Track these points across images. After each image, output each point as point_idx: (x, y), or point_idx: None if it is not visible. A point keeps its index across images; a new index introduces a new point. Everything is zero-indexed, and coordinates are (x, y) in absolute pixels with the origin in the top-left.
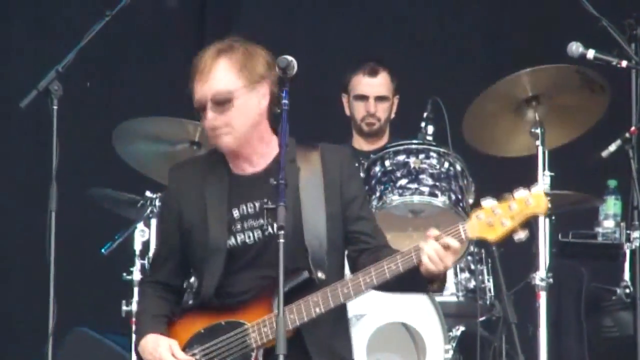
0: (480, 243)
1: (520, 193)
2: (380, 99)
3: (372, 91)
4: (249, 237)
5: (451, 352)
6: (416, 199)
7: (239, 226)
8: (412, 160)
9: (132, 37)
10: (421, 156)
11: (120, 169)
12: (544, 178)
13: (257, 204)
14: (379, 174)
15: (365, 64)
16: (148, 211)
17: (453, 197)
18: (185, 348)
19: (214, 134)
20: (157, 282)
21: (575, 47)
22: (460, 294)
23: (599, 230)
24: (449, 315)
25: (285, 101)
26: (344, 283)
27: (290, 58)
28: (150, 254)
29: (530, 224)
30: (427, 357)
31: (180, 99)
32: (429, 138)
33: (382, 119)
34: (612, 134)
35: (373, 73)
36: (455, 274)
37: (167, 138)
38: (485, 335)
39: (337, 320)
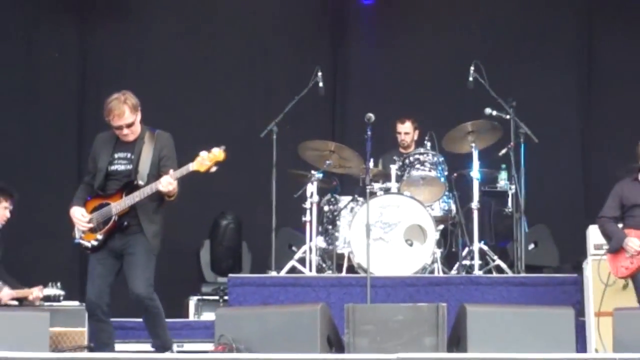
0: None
1: (214, 149)
2: (406, 133)
3: (402, 130)
4: (119, 167)
5: (437, 235)
6: (422, 173)
7: (116, 161)
8: (421, 157)
9: (304, 99)
10: (425, 156)
11: (302, 163)
12: (477, 166)
13: (126, 154)
14: (407, 164)
15: (401, 118)
16: (312, 180)
17: (439, 173)
18: (90, 213)
19: (125, 135)
20: (87, 182)
21: (487, 110)
22: (442, 212)
23: (498, 185)
24: (438, 220)
25: (369, 133)
26: (144, 189)
27: (370, 114)
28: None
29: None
30: (427, 238)
31: (326, 127)
32: (428, 148)
33: (408, 141)
34: (503, 145)
35: (403, 122)
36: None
37: (317, 148)
38: (452, 229)
39: (155, 205)
